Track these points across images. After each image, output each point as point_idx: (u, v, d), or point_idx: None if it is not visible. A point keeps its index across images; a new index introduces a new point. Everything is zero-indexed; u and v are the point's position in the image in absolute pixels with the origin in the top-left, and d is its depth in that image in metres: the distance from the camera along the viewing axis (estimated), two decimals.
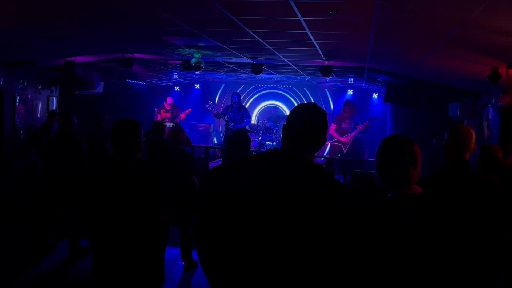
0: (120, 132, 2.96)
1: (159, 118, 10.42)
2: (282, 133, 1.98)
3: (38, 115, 8.23)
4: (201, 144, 10.56)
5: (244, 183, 1.84)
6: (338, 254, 1.71)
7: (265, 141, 10.94)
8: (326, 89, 12.74)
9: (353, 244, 1.76)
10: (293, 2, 3.51)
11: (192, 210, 5.09)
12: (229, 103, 10.01)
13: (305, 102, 2.13)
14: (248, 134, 4.23)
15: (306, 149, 1.90)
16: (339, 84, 11.93)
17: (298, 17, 4.04)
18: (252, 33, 5.02)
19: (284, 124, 1.98)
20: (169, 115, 10.53)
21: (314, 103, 2.04)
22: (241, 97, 10.36)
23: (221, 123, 12.46)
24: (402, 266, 1.85)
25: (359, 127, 9.64)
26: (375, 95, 11.96)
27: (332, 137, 9.92)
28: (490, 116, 6.86)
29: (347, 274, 1.73)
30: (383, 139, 2.09)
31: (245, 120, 9.68)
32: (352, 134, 9.61)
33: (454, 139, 2.90)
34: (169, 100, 10.77)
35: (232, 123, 9.50)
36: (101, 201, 2.91)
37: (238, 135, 3.71)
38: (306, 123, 1.91)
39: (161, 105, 10.85)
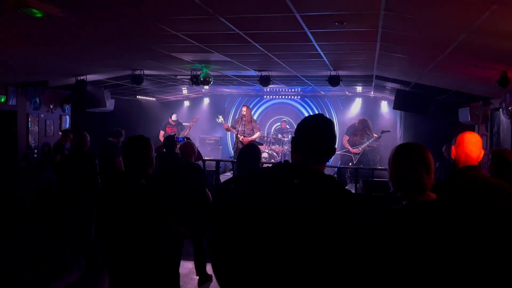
0: (131, 149, 3.01)
1: (162, 134, 10.46)
2: (291, 145, 1.99)
3: (51, 133, 8.37)
4: (212, 157, 10.60)
5: (256, 195, 1.86)
6: (352, 265, 1.72)
7: (275, 153, 10.96)
8: (334, 98, 12.75)
9: (369, 252, 1.77)
10: (299, 15, 3.56)
11: (206, 223, 5.10)
12: (239, 116, 10.08)
13: (313, 114, 2.13)
14: (258, 146, 4.26)
15: (316, 160, 1.91)
16: (347, 92, 11.94)
17: (304, 29, 4.08)
18: (259, 47, 5.08)
19: (292, 136, 2.00)
20: (174, 129, 10.60)
21: (321, 114, 2.04)
22: (250, 110, 10.43)
23: (231, 135, 12.53)
24: (420, 273, 1.85)
25: (370, 141, 9.96)
26: (384, 103, 11.94)
27: (343, 147, 10.06)
28: (501, 121, 6.81)
29: (362, 283, 1.74)
30: (394, 148, 2.10)
31: (254, 133, 9.71)
32: (363, 146, 9.82)
33: (462, 145, 2.89)
34: (174, 116, 10.90)
35: (242, 136, 9.54)
36: (114, 218, 2.95)
37: (249, 148, 3.74)
38: (315, 134, 1.92)
39: (166, 121, 10.91)
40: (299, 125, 2.00)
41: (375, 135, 9.96)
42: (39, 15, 3.33)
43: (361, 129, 10.17)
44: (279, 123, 12.38)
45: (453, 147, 2.93)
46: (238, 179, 3.62)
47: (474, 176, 2.78)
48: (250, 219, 1.82)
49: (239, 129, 9.57)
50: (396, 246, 1.88)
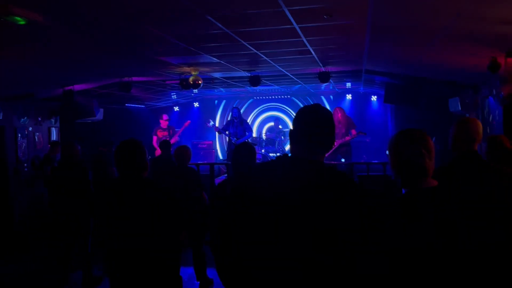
0: (124, 152, 2.94)
1: (155, 139, 10.36)
2: (290, 138, 1.92)
3: (40, 146, 8.24)
4: (205, 162, 10.52)
5: (259, 190, 1.80)
6: (364, 255, 1.67)
7: (269, 153, 10.91)
8: (324, 96, 12.75)
9: (378, 244, 1.72)
10: (287, 9, 3.52)
11: (204, 227, 5.03)
12: (230, 118, 10.07)
13: (309, 104, 2.07)
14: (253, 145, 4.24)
15: (316, 151, 1.85)
16: (337, 89, 11.94)
17: (293, 25, 4.05)
18: (248, 45, 5.04)
19: (290, 129, 1.94)
20: (166, 133, 10.48)
21: (318, 104, 1.98)
22: (241, 111, 10.40)
23: (224, 139, 12.49)
24: (427, 261, 1.81)
25: (348, 138, 9.29)
26: (374, 98, 11.96)
27: None
28: (491, 108, 6.84)
29: (372, 274, 1.69)
30: (396, 134, 2.06)
31: (247, 134, 9.70)
32: (339, 141, 9.27)
33: (463, 131, 2.87)
34: (165, 116, 10.71)
35: (235, 138, 9.53)
36: (111, 224, 2.88)
37: (243, 147, 3.68)
38: (313, 124, 1.86)
39: (157, 126, 10.77)
40: (296, 116, 1.93)
41: (349, 136, 9.25)
42: (22, 22, 3.27)
43: (346, 122, 9.43)
44: (272, 122, 12.31)
45: (452, 133, 2.91)
46: (235, 178, 3.56)
47: (475, 161, 2.76)
48: (256, 218, 1.76)
49: (231, 131, 9.58)
50: (405, 235, 1.85)
